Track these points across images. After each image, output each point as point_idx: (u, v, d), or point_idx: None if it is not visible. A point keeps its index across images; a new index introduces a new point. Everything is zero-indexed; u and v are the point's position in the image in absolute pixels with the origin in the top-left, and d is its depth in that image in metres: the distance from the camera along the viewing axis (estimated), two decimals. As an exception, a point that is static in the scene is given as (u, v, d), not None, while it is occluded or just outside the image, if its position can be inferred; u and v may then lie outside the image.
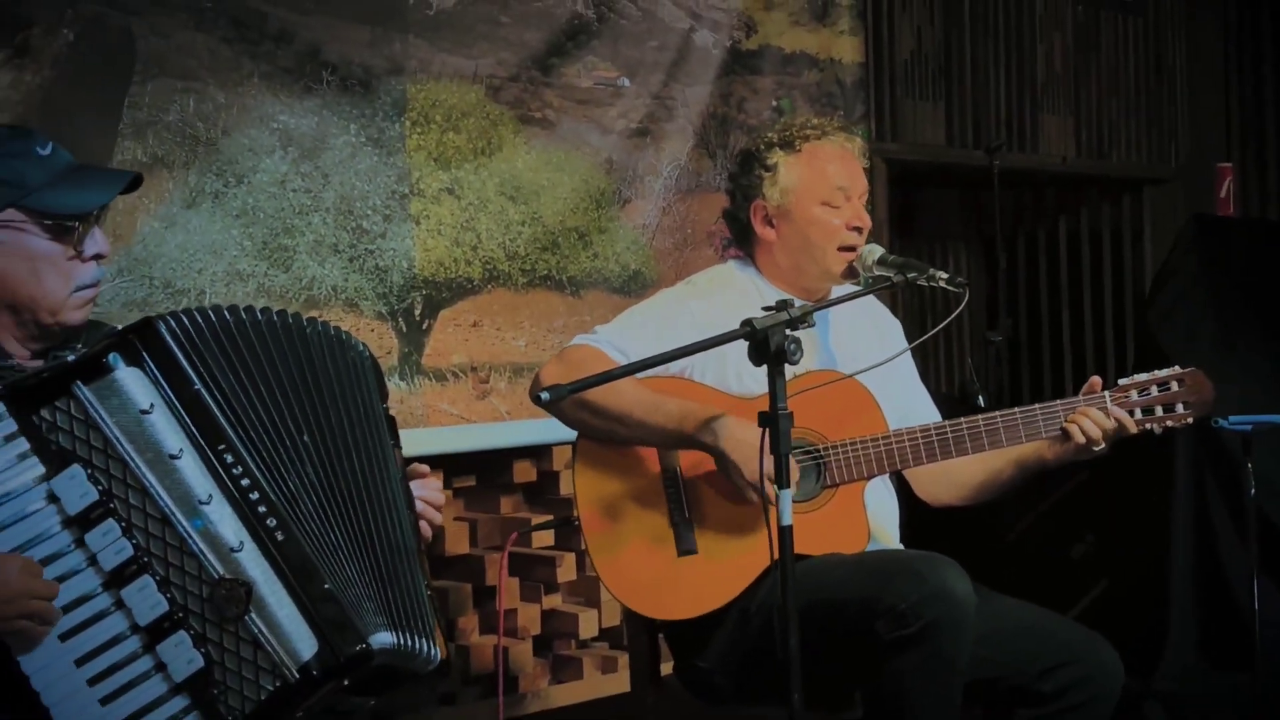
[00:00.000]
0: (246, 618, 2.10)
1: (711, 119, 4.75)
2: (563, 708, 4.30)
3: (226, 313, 2.28)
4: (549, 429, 4.21)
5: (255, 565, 2.12)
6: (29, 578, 2.07)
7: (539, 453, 4.38)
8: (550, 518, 4.25)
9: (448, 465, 4.21)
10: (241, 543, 2.13)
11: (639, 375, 2.72)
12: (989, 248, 6.08)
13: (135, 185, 2.41)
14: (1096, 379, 2.96)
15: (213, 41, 3.72)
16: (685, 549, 2.89)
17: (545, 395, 2.45)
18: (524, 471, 4.38)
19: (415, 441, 3.64)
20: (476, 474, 4.32)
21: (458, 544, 4.25)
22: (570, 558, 4.36)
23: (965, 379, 5.57)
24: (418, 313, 4.09)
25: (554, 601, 4.39)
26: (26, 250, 2.26)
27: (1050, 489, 4.55)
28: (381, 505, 2.33)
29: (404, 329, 4.06)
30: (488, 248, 4.23)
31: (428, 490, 2.52)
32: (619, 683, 4.38)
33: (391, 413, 2.48)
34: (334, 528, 2.23)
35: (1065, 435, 2.90)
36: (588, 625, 4.34)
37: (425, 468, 2.57)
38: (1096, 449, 2.89)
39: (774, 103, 4.91)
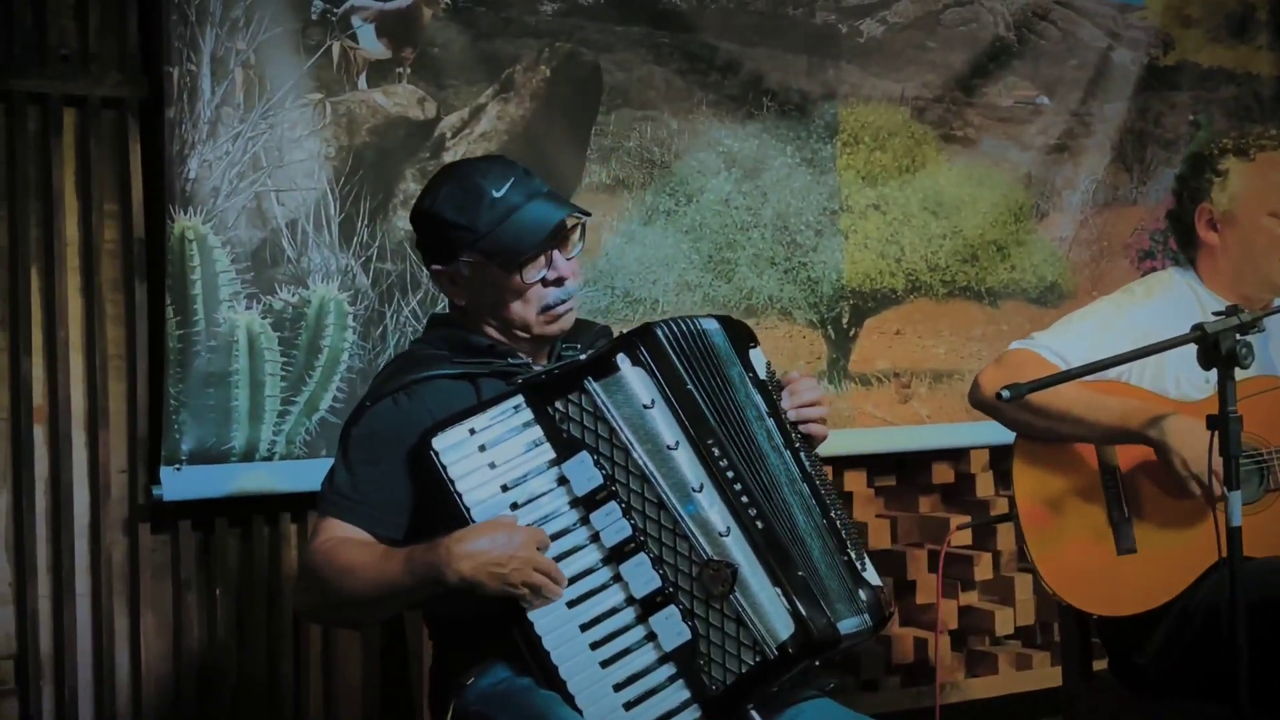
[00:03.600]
0: (731, 596, 2.13)
1: (1128, 134, 4.60)
2: (983, 700, 4.25)
3: (692, 321, 2.31)
4: (968, 433, 4.20)
5: (739, 550, 2.16)
6: (532, 549, 2.14)
7: (957, 455, 4.33)
8: (968, 518, 4.21)
9: (870, 465, 4.23)
10: (728, 528, 2.17)
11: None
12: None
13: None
14: None
15: (668, 74, 3.86)
16: (1125, 547, 2.81)
17: (1006, 394, 2.43)
18: (942, 473, 4.34)
19: (841, 442, 3.67)
20: (897, 474, 4.31)
21: (879, 540, 4.22)
22: (987, 557, 4.29)
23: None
24: (845, 321, 4.12)
25: (970, 598, 4.32)
26: (485, 282, 2.36)
27: None
28: (809, 495, 2.31)
29: (832, 336, 4.10)
30: (910, 260, 4.23)
31: (806, 395, 2.41)
32: (1034, 679, 4.30)
33: (777, 377, 2.40)
34: (797, 519, 2.25)
35: None
36: (1004, 623, 4.25)
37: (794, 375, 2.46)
38: None
39: (1190, 117, 4.71)
